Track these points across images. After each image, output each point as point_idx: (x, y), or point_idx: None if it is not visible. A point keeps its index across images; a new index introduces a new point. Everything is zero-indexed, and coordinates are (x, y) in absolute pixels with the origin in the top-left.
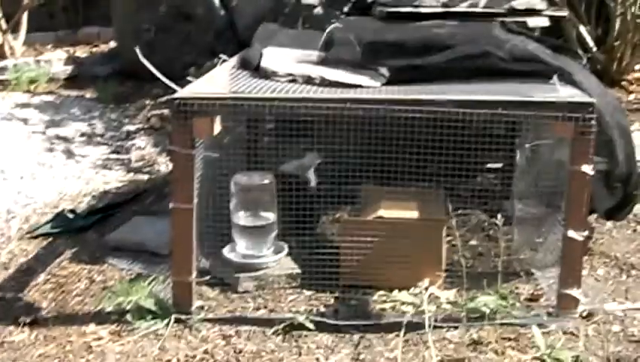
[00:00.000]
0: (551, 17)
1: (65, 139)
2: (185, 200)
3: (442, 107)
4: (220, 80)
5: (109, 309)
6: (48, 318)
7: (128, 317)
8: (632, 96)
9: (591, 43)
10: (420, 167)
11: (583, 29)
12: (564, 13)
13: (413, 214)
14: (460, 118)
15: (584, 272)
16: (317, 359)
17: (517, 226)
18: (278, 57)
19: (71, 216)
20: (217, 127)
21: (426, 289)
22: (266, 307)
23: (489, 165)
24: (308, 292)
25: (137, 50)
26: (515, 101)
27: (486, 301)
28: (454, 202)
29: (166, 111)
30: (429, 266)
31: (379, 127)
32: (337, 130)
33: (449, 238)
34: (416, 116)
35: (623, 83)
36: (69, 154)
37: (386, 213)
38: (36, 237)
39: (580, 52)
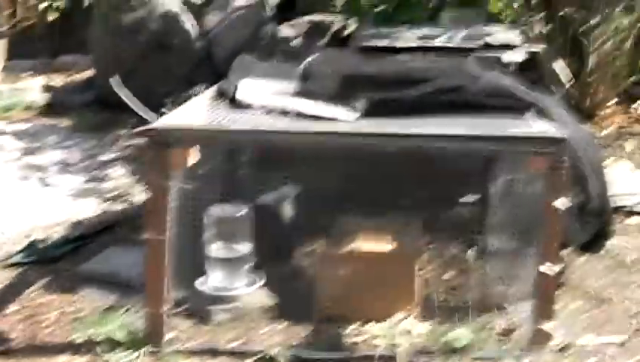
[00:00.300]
0: (526, 52)
1: (40, 168)
2: (159, 231)
3: (416, 141)
4: (197, 111)
5: (80, 340)
6: (19, 349)
7: (99, 349)
8: (605, 132)
9: (565, 78)
10: (396, 200)
11: (557, 64)
12: (539, 48)
13: (387, 247)
14: (435, 152)
15: (558, 306)
16: None
17: (490, 260)
18: (253, 89)
19: (43, 246)
20: (193, 158)
21: (399, 322)
22: (239, 339)
23: (463, 198)
24: (282, 325)
25: (112, 82)
26: (489, 136)
27: (459, 335)
28: (430, 235)
29: (142, 141)
30: (402, 299)
31: (354, 159)
32: (313, 162)
33: (422, 271)
34: (391, 150)
35: (597, 118)
36: (44, 183)
37: (361, 245)
38: (8, 266)
39: (554, 87)
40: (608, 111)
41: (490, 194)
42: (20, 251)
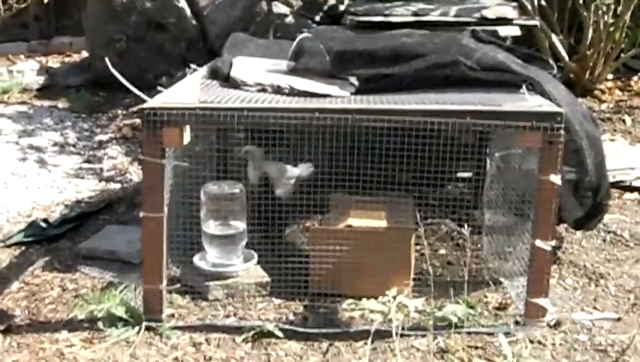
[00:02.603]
0: (522, 26)
1: (38, 149)
2: (155, 209)
3: (411, 116)
4: (190, 89)
5: (81, 317)
6: (21, 326)
7: (100, 324)
8: (604, 106)
9: (563, 52)
10: (389, 176)
11: (555, 38)
12: (536, 22)
13: (382, 223)
14: (429, 128)
15: (552, 281)
16: None
17: (486, 235)
18: (247, 67)
19: (44, 225)
20: (187, 137)
21: (394, 297)
22: (235, 315)
23: (459, 174)
24: (277, 301)
25: (107, 61)
26: (484, 111)
27: (454, 309)
28: (424, 211)
29: (138, 121)
30: (398, 275)
31: (348, 136)
32: (307, 139)
33: (418, 247)
34: (385, 125)
35: (595, 92)
36: (42, 163)
37: (355, 221)
38: (9, 246)
39: (552, 61)
40: (607, 85)
41: (486, 169)
42: (21, 231)
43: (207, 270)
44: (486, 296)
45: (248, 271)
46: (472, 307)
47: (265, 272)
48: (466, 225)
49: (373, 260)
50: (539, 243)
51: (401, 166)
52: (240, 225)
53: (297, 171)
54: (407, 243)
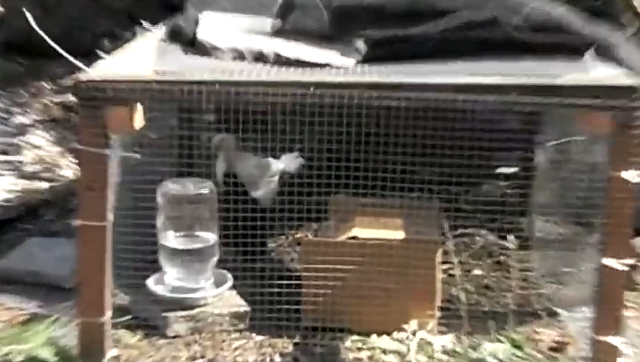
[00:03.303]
0: None
1: None
2: (96, 216)
3: (435, 92)
4: (143, 56)
5: None
6: None
7: None
8: None
9: None
10: (407, 172)
11: None
12: None
13: (398, 234)
14: (461, 108)
15: (628, 313)
16: None
17: (537, 251)
18: (219, 27)
19: None
20: (139, 120)
21: (415, 333)
22: (203, 357)
23: (499, 170)
24: (259, 337)
25: (28, 16)
26: (534, 85)
27: (494, 350)
28: (453, 218)
29: (72, 98)
30: (419, 303)
31: (352, 118)
32: (298, 123)
33: (445, 266)
34: (401, 105)
35: None
36: None
37: (362, 232)
38: None
39: (627, 19)
40: None
41: (536, 164)
42: None
43: (166, 296)
44: (537, 333)
45: (220, 298)
46: (518, 346)
47: (242, 300)
48: (509, 238)
49: (386, 283)
50: (609, 261)
51: (423, 159)
52: (209, 237)
53: (281, 165)
54: (431, 260)
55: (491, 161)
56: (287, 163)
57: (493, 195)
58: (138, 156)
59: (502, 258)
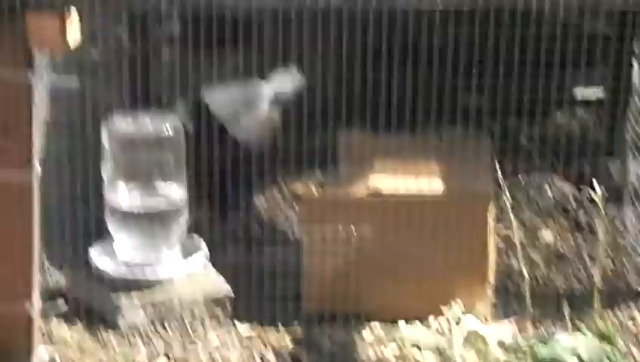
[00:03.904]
0: None
1: None
2: (15, 166)
3: None
4: None
5: None
6: None
7: None
8: None
9: None
10: (445, 97)
11: None
12: None
13: (435, 185)
14: (520, 7)
15: None
16: None
17: (632, 205)
18: None
19: None
20: (74, 33)
21: (459, 321)
22: (169, 356)
23: (578, 93)
24: (243, 327)
25: None
26: None
27: (573, 345)
28: (511, 160)
29: None
30: (465, 279)
31: (368, 23)
32: (294, 34)
33: (501, 228)
34: (436, 4)
35: None
36: None
37: (385, 183)
38: None
39: None
40: None
41: (633, 83)
42: None
43: (116, 274)
44: (633, 319)
45: (192, 276)
46: (607, 338)
47: (221, 278)
48: (592, 187)
49: (419, 254)
50: None
51: (468, 79)
52: (174, 192)
53: (270, 89)
54: (480, 220)
55: (565, 82)
56: (279, 84)
57: (568, 128)
58: (75, 85)
59: (582, 216)
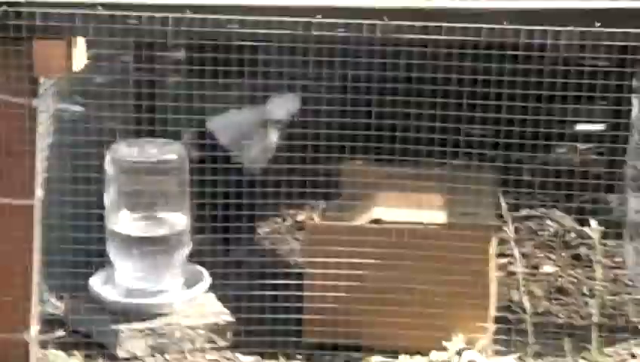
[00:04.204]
0: None
1: None
2: (19, 191)
3: (487, 24)
4: None
5: None
6: None
7: None
8: None
9: None
10: (448, 131)
11: None
12: None
13: (437, 216)
14: (522, 42)
15: None
16: None
17: (632, 241)
18: None
19: None
20: (80, 59)
21: (461, 353)
22: None
23: (578, 127)
24: (245, 359)
25: None
26: (626, 9)
27: None
28: (514, 195)
29: None
30: (467, 311)
31: (374, 57)
32: (299, 64)
33: (503, 260)
34: (440, 39)
35: None
36: None
37: (388, 213)
38: None
39: None
40: None
41: (633, 117)
42: None
43: (117, 302)
44: (634, 357)
45: (193, 304)
46: None
47: (223, 306)
48: (592, 222)
49: (421, 284)
50: None
51: (472, 112)
52: (177, 220)
53: (270, 114)
54: (482, 253)
55: (566, 117)
56: (275, 108)
57: (569, 163)
58: (80, 109)
59: (582, 250)
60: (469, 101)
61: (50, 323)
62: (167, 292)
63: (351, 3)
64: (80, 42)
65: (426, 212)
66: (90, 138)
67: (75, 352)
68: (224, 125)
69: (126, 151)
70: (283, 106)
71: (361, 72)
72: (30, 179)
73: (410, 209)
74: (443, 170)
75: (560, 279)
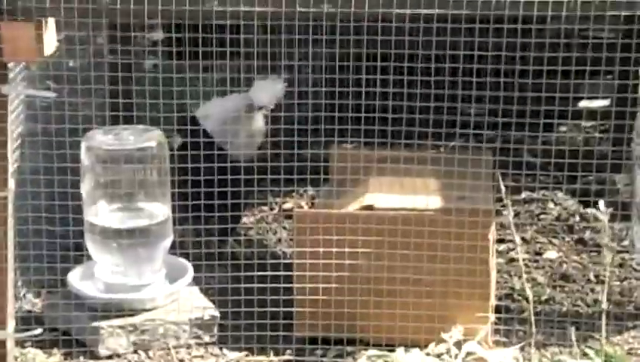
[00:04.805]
0: None
1: None
2: None
3: None
4: None
5: None
6: None
7: None
8: None
9: None
10: (445, 110)
11: None
12: None
13: (433, 201)
14: (521, 14)
15: None
16: None
17: None
18: None
19: None
20: (51, 42)
21: (460, 345)
22: None
23: (581, 104)
24: (232, 354)
25: None
26: None
27: None
28: (513, 176)
29: None
30: (465, 301)
31: (363, 33)
32: (286, 42)
33: (503, 247)
34: (433, 13)
35: None
36: None
37: (380, 199)
38: None
39: None
40: None
41: (639, 93)
42: None
43: (97, 298)
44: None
45: (176, 298)
46: None
47: (208, 300)
48: (598, 203)
49: (417, 273)
50: None
51: (469, 89)
52: (159, 211)
53: (255, 98)
54: (482, 239)
55: (568, 93)
56: (260, 92)
57: (572, 142)
58: (52, 95)
59: (587, 234)
60: (465, 78)
61: (27, 320)
62: (149, 286)
63: None
64: (50, 24)
65: (421, 197)
66: (65, 126)
67: (55, 351)
68: (208, 112)
69: (102, 138)
70: (268, 90)
71: (350, 51)
72: (1, 170)
73: (403, 194)
74: (438, 152)
75: (564, 265)
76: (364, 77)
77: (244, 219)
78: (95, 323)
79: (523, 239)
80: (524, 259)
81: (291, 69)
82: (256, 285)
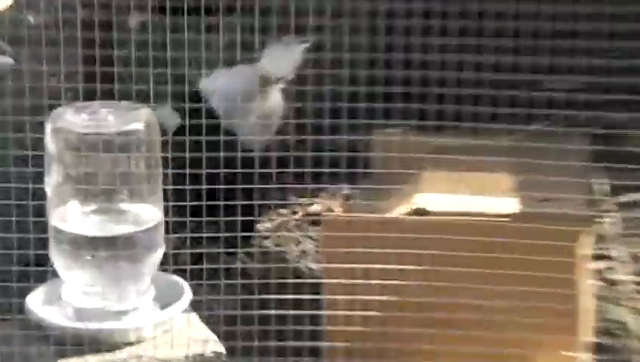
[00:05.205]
0: None
1: None
2: None
3: None
4: None
5: None
6: None
7: None
8: None
9: None
10: (520, 82)
11: None
12: None
13: (505, 204)
14: None
15: None
16: None
17: None
18: None
19: None
20: None
21: None
22: None
23: None
24: None
25: None
26: None
27: None
28: (614, 173)
29: None
30: (548, 332)
31: None
32: None
33: (601, 265)
34: None
35: None
36: None
37: (435, 200)
38: None
39: None
40: None
41: None
42: None
43: (65, 327)
44: None
45: (170, 328)
46: None
47: (210, 331)
48: None
49: (483, 298)
50: None
51: (551, 57)
52: (147, 215)
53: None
54: (570, 255)
55: None
56: (272, 60)
57: None
58: (9, 60)
59: None
60: (551, 40)
61: None
62: (133, 312)
63: None
64: None
65: (490, 199)
66: (24, 101)
67: None
68: (213, 86)
69: (73, 119)
70: (283, 57)
71: (399, 6)
72: None
73: (466, 194)
74: (513, 139)
75: None
76: (416, 40)
77: (259, 226)
78: (62, 361)
79: (628, 255)
80: (628, 282)
81: (321, 30)
82: (273, 312)
